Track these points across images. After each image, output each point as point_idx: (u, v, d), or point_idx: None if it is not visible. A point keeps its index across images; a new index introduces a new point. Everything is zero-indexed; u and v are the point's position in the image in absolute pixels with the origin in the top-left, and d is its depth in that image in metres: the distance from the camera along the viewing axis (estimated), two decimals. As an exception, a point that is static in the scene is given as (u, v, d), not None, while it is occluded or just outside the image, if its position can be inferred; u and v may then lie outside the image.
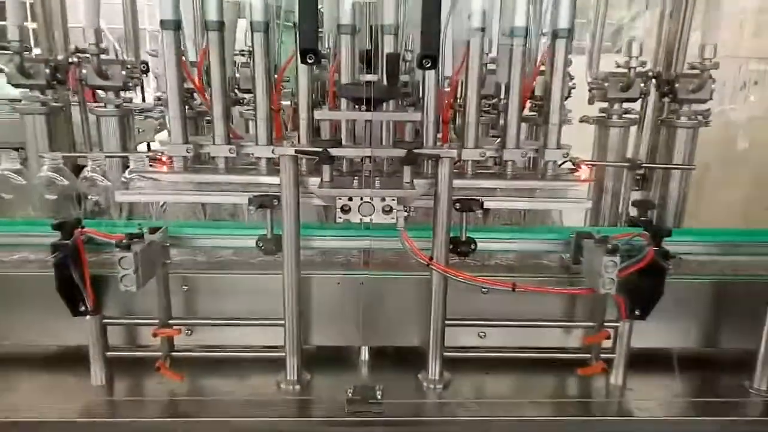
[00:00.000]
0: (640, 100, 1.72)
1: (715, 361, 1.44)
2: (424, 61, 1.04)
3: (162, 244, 1.28)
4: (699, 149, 1.80)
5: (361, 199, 1.19)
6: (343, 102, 1.25)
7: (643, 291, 1.28)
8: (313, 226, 1.41)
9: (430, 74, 1.18)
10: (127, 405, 1.27)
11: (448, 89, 1.43)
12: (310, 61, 1.04)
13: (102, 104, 1.66)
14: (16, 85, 1.62)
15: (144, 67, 1.90)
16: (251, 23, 1.22)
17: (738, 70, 3.47)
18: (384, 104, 1.23)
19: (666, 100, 1.79)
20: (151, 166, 1.35)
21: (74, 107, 1.83)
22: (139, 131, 2.05)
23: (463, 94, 1.35)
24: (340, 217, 1.21)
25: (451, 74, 1.42)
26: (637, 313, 1.30)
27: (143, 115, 2.21)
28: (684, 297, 1.38)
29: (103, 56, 1.63)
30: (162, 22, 1.23)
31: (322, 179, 1.24)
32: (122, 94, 1.74)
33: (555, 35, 1.28)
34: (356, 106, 1.21)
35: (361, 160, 1.28)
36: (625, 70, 1.65)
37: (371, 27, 1.46)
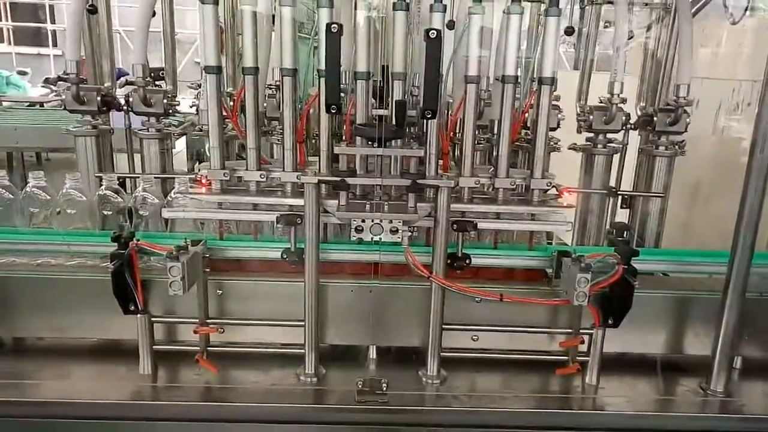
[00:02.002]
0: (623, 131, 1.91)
1: (677, 365, 1.61)
2: (425, 113, 1.25)
3: (202, 254, 1.49)
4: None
5: (372, 221, 1.40)
6: (358, 137, 1.44)
7: (614, 303, 1.46)
8: (331, 240, 1.60)
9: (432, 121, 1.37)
10: (171, 390, 1.47)
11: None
12: (333, 112, 1.26)
13: (145, 128, 1.88)
14: (72, 111, 1.84)
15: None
16: (281, 69, 1.44)
17: (732, 92, 3.66)
18: (392, 141, 1.43)
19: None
20: (191, 186, 1.56)
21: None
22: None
23: (461, 129, 1.56)
24: (354, 236, 1.42)
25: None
26: (610, 321, 1.48)
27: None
28: (650, 309, 1.56)
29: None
30: (205, 68, 1.44)
31: (339, 202, 1.45)
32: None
33: (540, 82, 1.48)
34: (369, 142, 1.42)
35: (373, 186, 1.48)
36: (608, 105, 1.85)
37: (383, 66, 1.65)
